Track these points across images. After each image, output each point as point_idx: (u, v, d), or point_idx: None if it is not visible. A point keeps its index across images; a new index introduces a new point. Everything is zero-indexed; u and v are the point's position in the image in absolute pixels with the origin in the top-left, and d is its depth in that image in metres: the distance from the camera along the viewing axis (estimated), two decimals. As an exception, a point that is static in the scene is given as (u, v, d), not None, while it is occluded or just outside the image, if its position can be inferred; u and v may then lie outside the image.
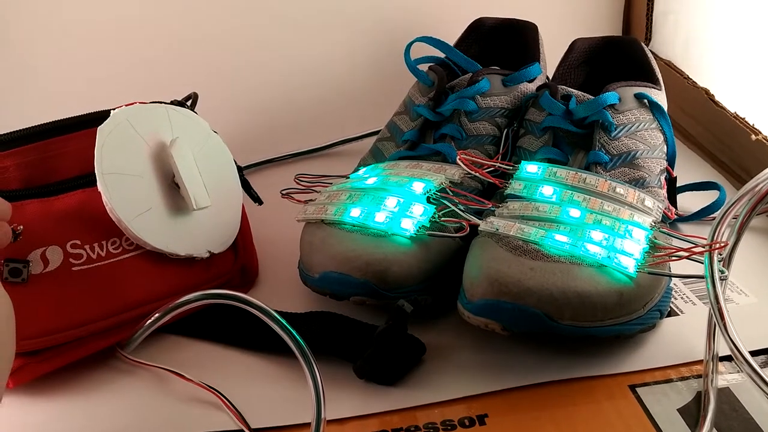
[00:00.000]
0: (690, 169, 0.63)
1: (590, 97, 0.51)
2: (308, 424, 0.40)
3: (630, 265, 0.43)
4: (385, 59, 0.75)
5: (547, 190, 0.48)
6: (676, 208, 0.53)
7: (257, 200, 0.56)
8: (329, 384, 0.40)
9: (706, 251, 0.43)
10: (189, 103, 0.54)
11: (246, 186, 0.56)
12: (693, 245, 0.44)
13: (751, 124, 0.61)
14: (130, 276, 0.47)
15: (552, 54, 0.63)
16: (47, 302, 0.44)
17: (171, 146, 0.48)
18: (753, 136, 0.60)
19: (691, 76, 0.69)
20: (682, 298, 0.50)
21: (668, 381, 0.43)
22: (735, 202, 0.44)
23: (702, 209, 0.56)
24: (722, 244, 0.43)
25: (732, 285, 0.50)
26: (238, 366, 0.47)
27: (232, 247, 0.52)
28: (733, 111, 0.63)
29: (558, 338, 0.43)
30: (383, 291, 0.46)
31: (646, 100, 0.52)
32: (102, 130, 0.46)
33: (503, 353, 0.46)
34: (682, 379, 0.43)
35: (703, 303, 0.49)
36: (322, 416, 0.39)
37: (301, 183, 0.56)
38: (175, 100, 0.54)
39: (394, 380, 0.44)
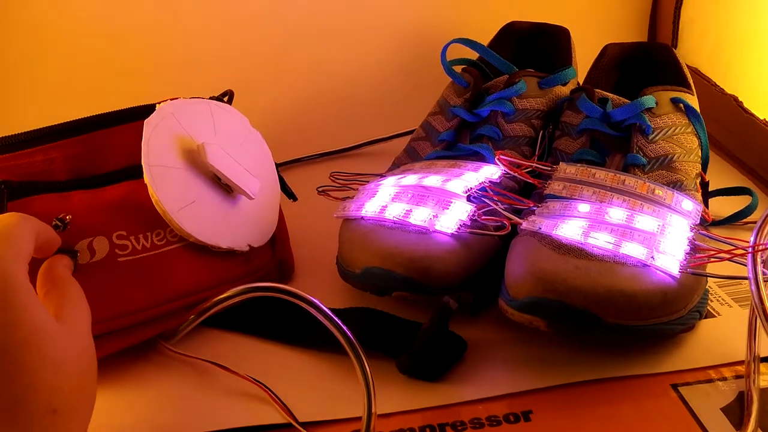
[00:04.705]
0: (718, 174, 0.63)
1: (626, 100, 0.52)
2: (355, 419, 0.40)
3: (673, 265, 0.44)
4: (414, 62, 0.75)
5: (587, 191, 0.48)
6: (708, 211, 0.53)
7: (292, 196, 0.56)
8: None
9: (749, 252, 0.43)
10: (225, 99, 0.55)
11: (281, 182, 0.56)
12: (734, 247, 0.44)
13: (781, 131, 0.61)
14: (173, 267, 0.47)
15: (578, 59, 0.63)
16: (93, 292, 0.43)
17: (204, 155, 0.48)
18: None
19: (718, 83, 0.69)
20: (717, 300, 0.50)
21: (709, 381, 0.44)
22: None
23: (735, 213, 0.57)
24: (766, 246, 0.44)
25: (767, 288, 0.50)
26: (281, 360, 0.47)
27: (270, 241, 0.53)
28: (762, 118, 0.63)
29: (600, 336, 0.44)
30: (426, 287, 0.46)
31: (681, 105, 0.53)
32: (149, 123, 0.47)
33: (544, 351, 0.46)
34: (723, 379, 0.44)
35: (740, 306, 0.50)
36: (373, 410, 0.39)
37: (337, 180, 0.56)
38: (213, 96, 0.54)
39: (437, 376, 0.45)
